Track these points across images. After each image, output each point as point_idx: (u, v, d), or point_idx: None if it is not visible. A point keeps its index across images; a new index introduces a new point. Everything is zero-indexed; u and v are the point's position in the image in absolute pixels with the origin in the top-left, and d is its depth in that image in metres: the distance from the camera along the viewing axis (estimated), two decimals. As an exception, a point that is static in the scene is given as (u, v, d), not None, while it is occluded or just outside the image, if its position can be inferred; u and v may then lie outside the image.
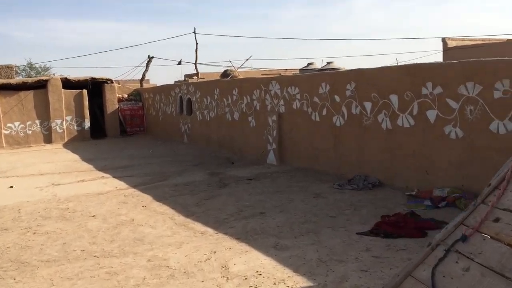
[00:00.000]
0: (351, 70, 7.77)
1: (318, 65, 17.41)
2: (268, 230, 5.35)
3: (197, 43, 18.69)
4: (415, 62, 9.92)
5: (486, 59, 5.86)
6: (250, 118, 10.77)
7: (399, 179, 6.89)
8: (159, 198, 7.21)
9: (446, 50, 21.87)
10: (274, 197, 6.90)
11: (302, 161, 9.08)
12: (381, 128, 7.09)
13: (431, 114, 6.26)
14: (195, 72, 18.93)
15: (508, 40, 19.58)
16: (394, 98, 6.82)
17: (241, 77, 15.21)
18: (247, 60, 19.59)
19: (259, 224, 5.60)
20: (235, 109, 11.38)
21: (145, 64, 25.72)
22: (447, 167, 6.14)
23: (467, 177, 5.85)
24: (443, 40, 22.67)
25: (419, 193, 6.25)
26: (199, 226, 5.63)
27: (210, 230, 5.44)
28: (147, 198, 7.26)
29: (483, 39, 22.79)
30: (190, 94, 13.87)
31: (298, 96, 9.01)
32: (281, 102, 9.54)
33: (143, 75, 25.56)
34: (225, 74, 18.08)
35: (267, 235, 5.18)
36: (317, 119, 8.51)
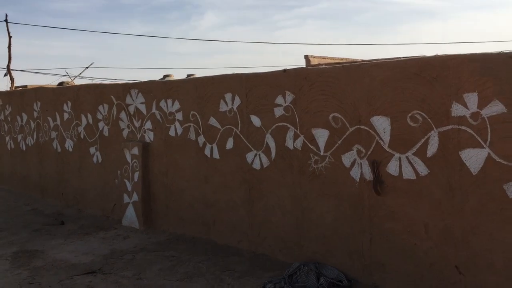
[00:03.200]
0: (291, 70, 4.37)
1: (176, 77, 14.22)
2: None
3: (10, 36, 13.44)
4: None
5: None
6: (92, 150, 6.69)
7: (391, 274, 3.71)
8: None
9: (310, 66, 20.74)
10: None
11: (187, 225, 5.40)
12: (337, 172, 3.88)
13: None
14: (9, 78, 13.61)
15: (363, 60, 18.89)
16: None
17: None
18: (87, 67, 14.98)
19: None
20: (67, 134, 7.15)
21: None
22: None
23: None
24: (306, 57, 21.51)
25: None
26: None
27: None
28: None
29: (343, 59, 22.17)
30: (-4, 109, 9.06)
31: (179, 116, 5.35)
32: (148, 124, 5.76)
33: None
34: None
35: None
36: (216, 155, 4.97)
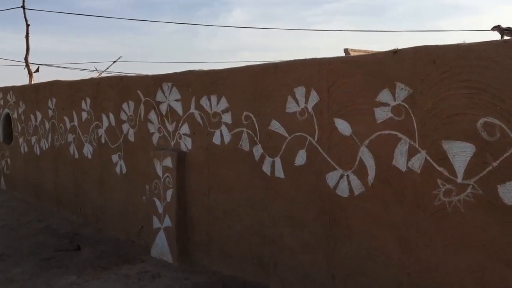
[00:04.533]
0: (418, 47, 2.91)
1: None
2: None
3: (28, 24, 12.28)
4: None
5: None
6: (115, 158, 5.42)
7: None
8: None
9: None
10: None
11: (236, 264, 4.04)
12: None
13: None
14: (27, 72, 12.49)
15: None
16: None
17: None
18: (115, 62, 13.83)
19: None
20: (85, 137, 5.90)
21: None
22: None
23: None
24: (345, 50, 20.20)
25: None
26: None
27: None
28: None
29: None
30: (11, 106, 7.92)
31: (227, 118, 3.99)
32: (185, 128, 4.42)
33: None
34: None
35: None
36: (280, 172, 3.57)
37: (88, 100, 5.77)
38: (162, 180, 4.60)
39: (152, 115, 4.80)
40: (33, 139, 7.19)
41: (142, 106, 4.93)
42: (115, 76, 5.33)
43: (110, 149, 5.49)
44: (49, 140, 6.74)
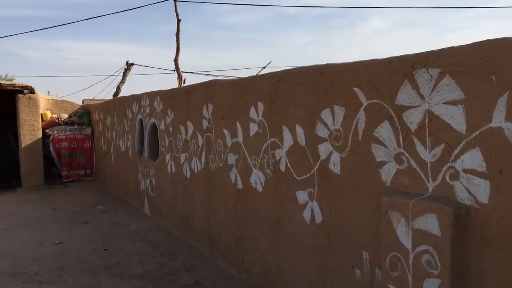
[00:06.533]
0: None
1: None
2: None
3: (179, 19, 11.08)
4: None
5: None
6: (303, 197, 3.40)
7: None
8: None
9: None
10: None
11: None
12: None
13: None
14: (176, 75, 11.34)
15: None
16: None
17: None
18: (264, 67, 12.14)
19: None
20: (254, 160, 4.02)
21: (122, 74, 18.70)
22: None
23: None
24: None
25: None
26: None
27: None
28: None
29: None
30: (157, 115, 6.54)
31: None
32: (472, 158, 2.19)
33: (118, 88, 18.47)
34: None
35: None
36: None
37: (261, 106, 3.88)
38: (410, 255, 2.42)
39: (384, 130, 2.67)
40: (182, 156, 5.63)
41: (361, 114, 2.82)
42: (310, 67, 3.33)
43: (295, 181, 3.50)
44: (203, 159, 5.06)
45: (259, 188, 3.99)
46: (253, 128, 4.04)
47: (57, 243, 5.74)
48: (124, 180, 8.28)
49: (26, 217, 7.26)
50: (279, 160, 3.68)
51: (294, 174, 3.52)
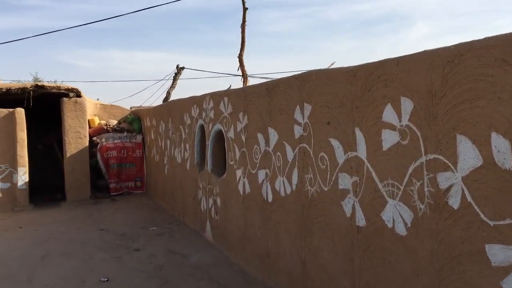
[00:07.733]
0: None
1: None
2: None
3: (245, 8, 9.73)
4: None
5: None
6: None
7: None
8: None
9: None
10: None
11: None
12: None
13: None
14: (241, 73, 10.02)
15: None
16: None
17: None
18: (328, 67, 10.87)
19: None
20: (386, 185, 2.64)
21: (172, 78, 17.82)
22: None
23: None
24: None
25: None
26: None
27: None
28: None
29: None
30: (224, 121, 5.30)
31: None
32: None
33: (168, 93, 17.58)
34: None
35: None
36: None
37: (408, 104, 2.51)
38: None
39: None
40: (261, 173, 4.33)
41: None
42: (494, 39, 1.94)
43: (484, 226, 2.10)
44: (294, 179, 3.73)
45: (401, 230, 2.60)
46: (389, 137, 2.66)
47: (103, 281, 4.57)
48: (180, 196, 7.09)
49: (69, 240, 6.20)
50: (448, 189, 2.28)
51: (481, 215, 2.11)
